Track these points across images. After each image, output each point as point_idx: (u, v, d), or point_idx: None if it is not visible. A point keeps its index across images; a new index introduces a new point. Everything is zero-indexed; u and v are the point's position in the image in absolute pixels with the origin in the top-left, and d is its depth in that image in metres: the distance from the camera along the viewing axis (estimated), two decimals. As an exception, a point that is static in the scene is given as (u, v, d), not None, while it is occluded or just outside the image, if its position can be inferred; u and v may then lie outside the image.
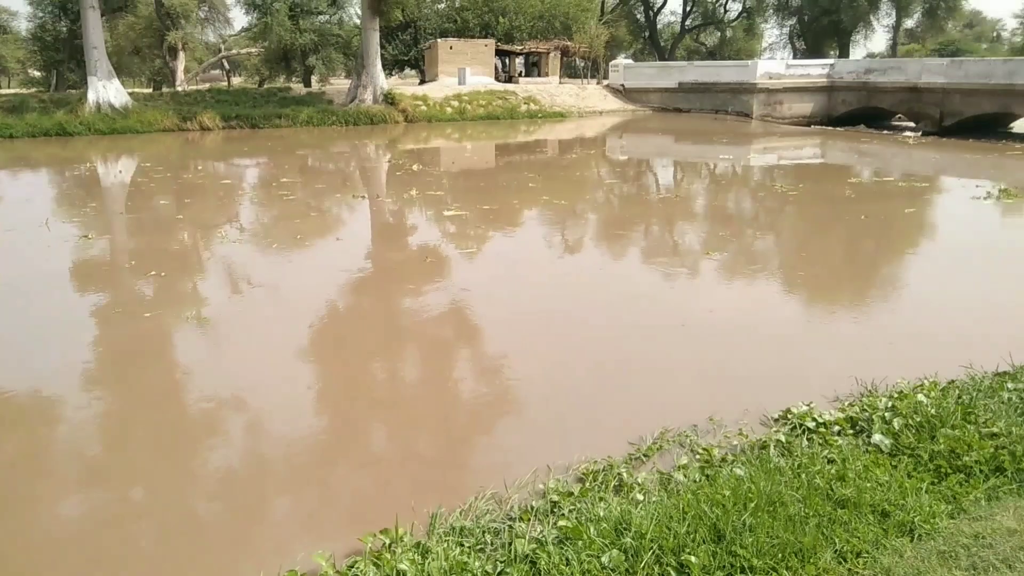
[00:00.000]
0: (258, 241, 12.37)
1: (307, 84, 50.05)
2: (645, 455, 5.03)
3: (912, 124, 33.36)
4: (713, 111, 37.91)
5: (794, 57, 55.70)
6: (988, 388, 5.60)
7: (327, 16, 51.06)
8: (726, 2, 62.89)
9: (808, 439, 5.04)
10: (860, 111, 35.43)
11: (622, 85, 41.66)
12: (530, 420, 5.91)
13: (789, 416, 5.42)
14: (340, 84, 48.40)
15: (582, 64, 53.36)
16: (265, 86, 48.35)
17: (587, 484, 4.58)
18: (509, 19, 50.51)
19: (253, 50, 53.01)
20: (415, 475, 5.09)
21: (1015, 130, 32.73)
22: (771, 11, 61.80)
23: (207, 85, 49.24)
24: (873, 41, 70.61)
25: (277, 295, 9.28)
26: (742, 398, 5.92)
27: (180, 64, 47.27)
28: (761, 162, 25.86)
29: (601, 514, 4.00)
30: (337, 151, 27.74)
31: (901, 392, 5.64)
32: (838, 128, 34.90)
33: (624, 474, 4.68)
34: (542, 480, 4.72)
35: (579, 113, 39.10)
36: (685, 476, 4.58)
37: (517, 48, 48.18)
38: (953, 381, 5.90)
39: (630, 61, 45.19)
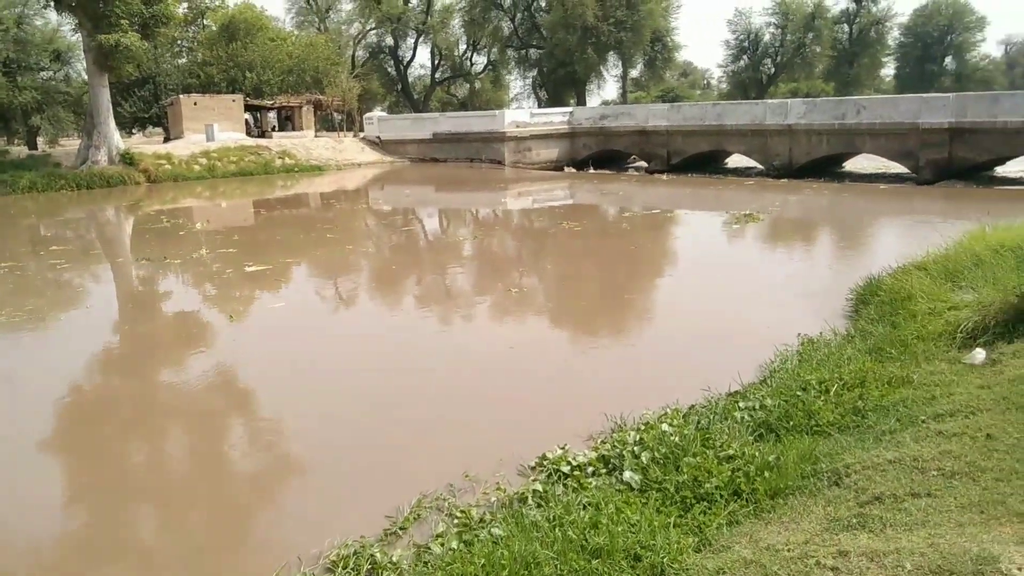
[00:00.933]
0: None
1: (32, 146, 45.01)
2: (402, 528, 4.70)
3: (645, 164, 36.45)
4: (468, 160, 39.02)
5: (539, 106, 59.17)
6: (723, 410, 5.93)
7: (51, 72, 46.44)
8: (471, 56, 65.57)
9: (564, 485, 4.98)
10: (600, 154, 38.15)
11: (378, 137, 41.73)
12: (284, 504, 5.40)
13: (545, 463, 5.35)
14: (73, 145, 43.99)
15: (339, 118, 52.92)
16: (-21, 150, 42.69)
17: (337, 574, 4.15)
18: (256, 74, 49.00)
19: (-41, 110, 46.77)
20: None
21: (730, 165, 36.89)
22: (513, 64, 65.32)
23: (-101, 151, 42.50)
24: (606, 90, 77.02)
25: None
26: (501, 447, 5.79)
27: None
28: (527, 205, 26.96)
29: (349, 610, 3.60)
30: (75, 217, 25.04)
31: (648, 423, 5.80)
32: (587, 171, 37.28)
33: (378, 555, 4.31)
34: (287, 578, 4.22)
35: (337, 166, 38.53)
36: (442, 546, 4.31)
37: (268, 103, 46.75)
38: (694, 406, 6.20)
39: (384, 114, 45.47)
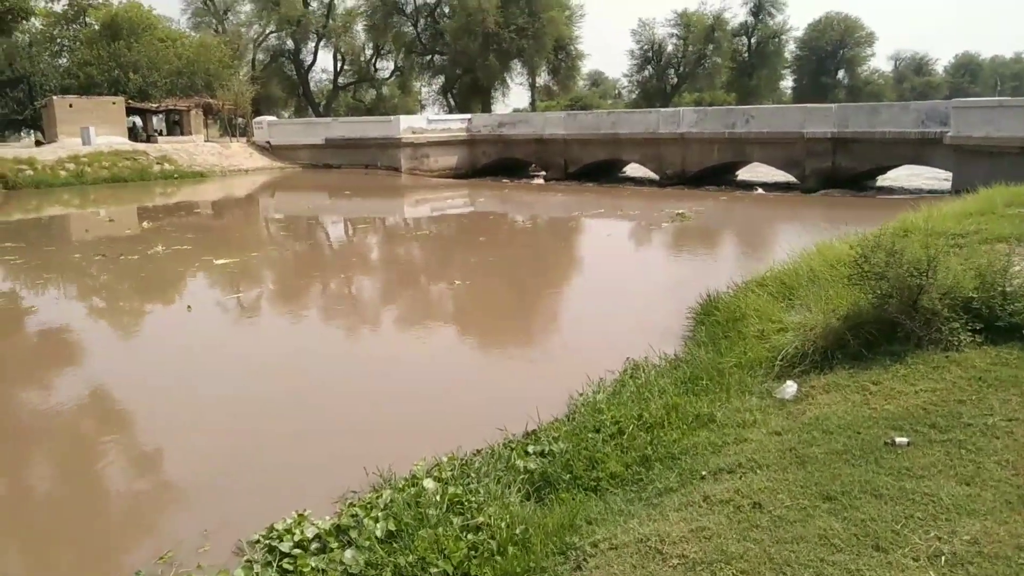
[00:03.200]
0: None
1: None
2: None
3: (544, 172, 35.92)
4: (363, 166, 37.69)
5: (448, 113, 58.16)
6: (508, 457, 5.07)
7: None
8: (374, 61, 64.06)
9: (280, 568, 4.01)
10: (500, 162, 37.42)
11: (268, 142, 39.93)
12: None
13: (272, 535, 4.36)
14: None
15: (242, 122, 50.61)
16: None
17: None
18: (142, 75, 46.40)
19: None
20: None
21: (628, 174, 36.69)
22: (418, 70, 64.11)
23: None
24: (516, 98, 76.66)
25: None
26: (236, 510, 4.79)
27: None
28: (426, 213, 26.09)
29: None
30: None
31: (414, 477, 4.89)
32: (485, 179, 36.45)
33: None
34: None
35: (222, 172, 36.61)
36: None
37: (152, 106, 44.25)
38: (480, 451, 5.32)
39: (274, 118, 43.58)
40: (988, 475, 3.49)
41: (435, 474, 4.89)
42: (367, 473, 5.04)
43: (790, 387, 5.17)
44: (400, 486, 4.75)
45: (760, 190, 28.25)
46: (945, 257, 5.68)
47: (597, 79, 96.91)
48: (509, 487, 4.55)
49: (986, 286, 5.23)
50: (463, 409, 6.65)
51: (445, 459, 5.14)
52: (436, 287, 13.12)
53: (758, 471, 3.86)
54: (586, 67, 68.39)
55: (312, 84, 66.78)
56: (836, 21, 72.31)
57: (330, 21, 60.44)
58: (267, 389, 7.37)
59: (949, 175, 23.80)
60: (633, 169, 36.10)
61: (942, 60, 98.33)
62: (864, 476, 3.59)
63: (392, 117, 38.47)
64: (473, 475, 4.80)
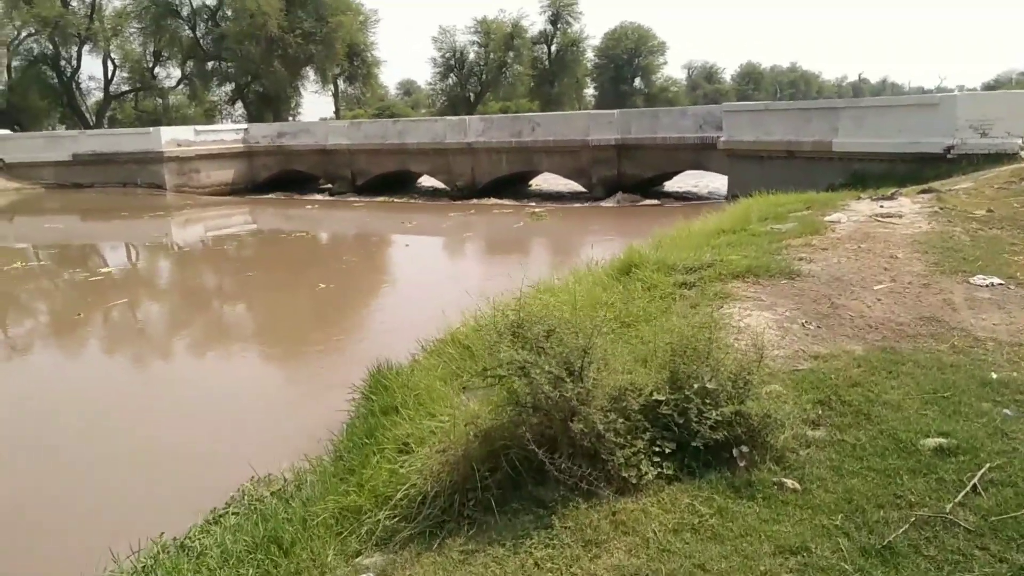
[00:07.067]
0: None
1: None
2: None
3: (330, 185, 33.13)
4: (121, 184, 33.01)
5: (246, 124, 53.08)
6: None
7: None
8: (153, 67, 58.06)
9: None
10: (282, 175, 34.10)
11: (1, 160, 34.21)
12: None
13: None
14: None
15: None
16: None
17: None
18: None
19: None
20: None
21: (426, 186, 34.57)
22: (206, 78, 58.67)
23: None
24: (322, 107, 72.12)
25: None
26: None
27: None
28: (189, 237, 22.79)
29: None
30: None
31: None
32: (266, 194, 33.09)
33: None
34: None
35: (-69, 196, 30.88)
36: None
37: None
38: None
39: (7, 131, 37.46)
40: None
41: None
42: None
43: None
44: None
45: (537, 207, 26.96)
46: (640, 325, 3.79)
47: (409, 87, 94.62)
48: None
49: (678, 381, 3.35)
50: None
51: None
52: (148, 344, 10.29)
53: None
54: (394, 75, 66.16)
55: (88, 94, 59.63)
56: (630, 31, 74.29)
57: (95, 23, 53.95)
58: None
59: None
60: (429, 181, 34.14)
61: (729, 69, 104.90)
62: None
63: (152, 129, 34.05)
64: None
